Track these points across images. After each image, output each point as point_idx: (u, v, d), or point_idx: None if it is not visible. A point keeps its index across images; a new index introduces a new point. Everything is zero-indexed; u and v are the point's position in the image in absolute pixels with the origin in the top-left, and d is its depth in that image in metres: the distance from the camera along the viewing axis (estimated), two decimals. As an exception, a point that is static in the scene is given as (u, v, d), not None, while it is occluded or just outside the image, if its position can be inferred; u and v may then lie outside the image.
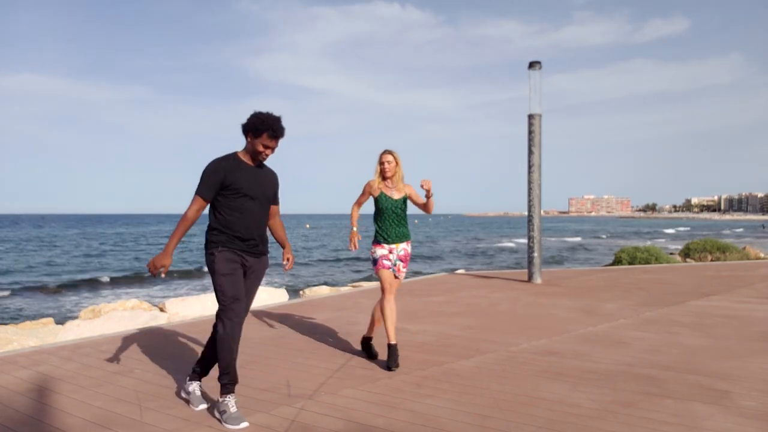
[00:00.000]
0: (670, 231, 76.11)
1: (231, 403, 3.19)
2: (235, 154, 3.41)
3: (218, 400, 3.25)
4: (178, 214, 3.54)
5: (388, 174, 4.45)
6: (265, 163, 3.53)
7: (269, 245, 3.66)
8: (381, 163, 4.46)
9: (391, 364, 4.18)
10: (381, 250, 4.45)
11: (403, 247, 4.51)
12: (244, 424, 3.10)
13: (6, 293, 19.16)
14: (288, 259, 3.71)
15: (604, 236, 64.29)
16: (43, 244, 46.57)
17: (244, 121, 3.34)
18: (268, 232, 3.64)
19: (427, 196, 4.37)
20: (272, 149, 3.37)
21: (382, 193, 4.47)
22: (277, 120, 3.31)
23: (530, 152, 8.95)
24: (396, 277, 4.45)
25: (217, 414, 3.23)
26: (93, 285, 21.70)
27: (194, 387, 3.54)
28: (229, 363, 3.25)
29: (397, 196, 4.47)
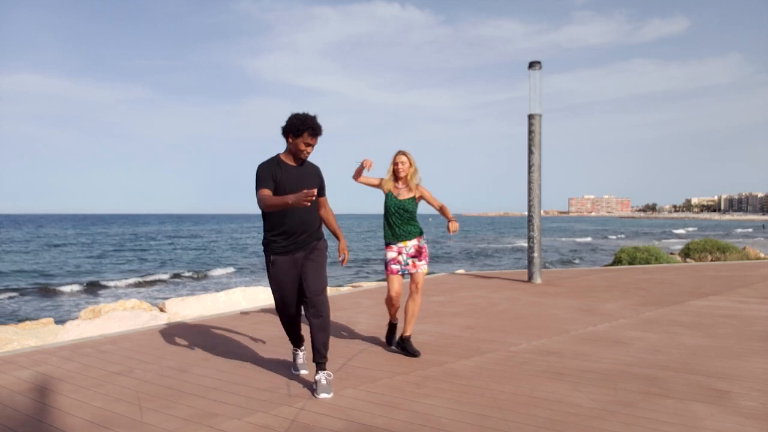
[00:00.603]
0: (680, 231, 74.43)
1: (298, 354, 4.06)
2: (278, 157, 3.65)
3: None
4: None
5: (401, 174, 4.46)
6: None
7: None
8: (394, 164, 4.47)
9: (404, 348, 4.52)
10: (390, 253, 4.50)
11: (412, 244, 4.49)
12: (303, 372, 3.99)
13: (6, 293, 19.17)
14: (343, 254, 3.94)
15: (613, 236, 62.27)
16: (43, 244, 46.58)
17: (284, 123, 3.56)
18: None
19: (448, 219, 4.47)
20: (312, 146, 3.60)
21: (389, 192, 4.49)
22: (314, 119, 3.55)
23: (530, 152, 8.96)
24: (412, 273, 4.50)
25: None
26: (93, 285, 21.70)
27: (319, 376, 3.63)
28: (291, 337, 3.99)
29: (404, 196, 4.47)
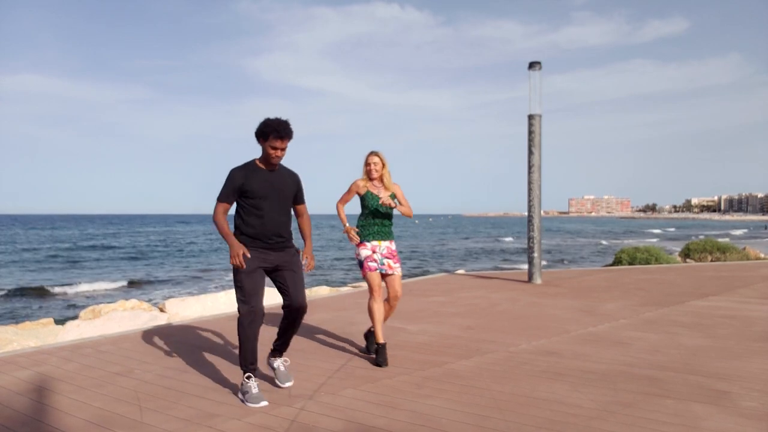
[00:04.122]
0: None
1: (252, 384, 3.50)
2: (253, 162, 3.71)
3: (241, 383, 3.58)
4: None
5: (374, 175, 4.49)
6: (285, 165, 3.82)
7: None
8: (367, 164, 4.50)
9: (380, 362, 4.24)
10: (365, 251, 4.47)
11: (386, 246, 4.51)
12: (264, 403, 3.40)
13: (6, 293, 19.17)
14: (306, 258, 3.83)
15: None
16: (42, 245, 46.55)
17: (257, 127, 3.62)
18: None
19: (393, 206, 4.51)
20: (281, 150, 3.61)
21: (368, 191, 4.51)
22: (281, 122, 3.58)
23: (530, 152, 8.95)
24: (390, 275, 4.47)
25: (240, 395, 3.53)
26: (93, 285, 21.70)
27: (278, 363, 3.87)
28: (246, 348, 3.55)
29: (383, 194, 4.49)
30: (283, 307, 3.74)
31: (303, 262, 3.81)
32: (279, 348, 3.87)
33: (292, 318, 3.73)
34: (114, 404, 3.44)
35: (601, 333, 5.25)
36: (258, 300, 3.54)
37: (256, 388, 3.49)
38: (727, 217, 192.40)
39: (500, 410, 3.25)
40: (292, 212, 3.90)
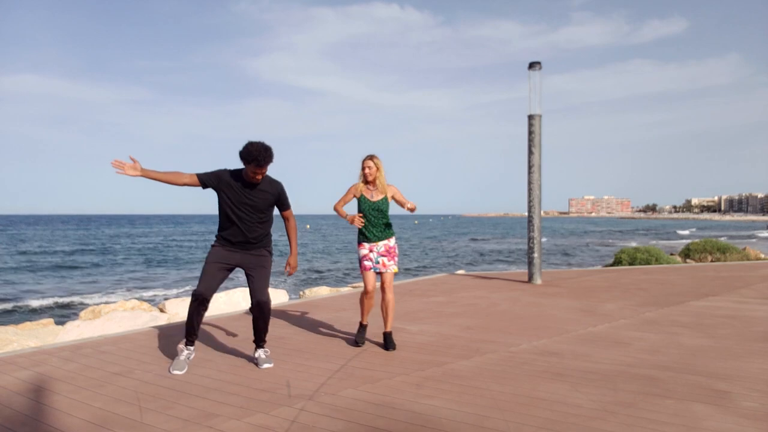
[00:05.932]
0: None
1: (183, 351, 4.28)
2: (239, 171, 4.10)
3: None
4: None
5: (369, 178, 4.80)
6: (270, 176, 4.18)
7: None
8: (363, 168, 4.81)
9: (358, 340, 4.90)
10: (362, 250, 4.85)
11: (383, 244, 4.82)
12: (179, 372, 4.06)
13: (6, 294, 19.16)
14: (288, 264, 4.38)
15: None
16: (42, 244, 46.56)
17: (241, 149, 3.93)
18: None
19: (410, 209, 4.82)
20: (260, 174, 4.02)
21: (362, 195, 4.84)
22: (261, 151, 3.89)
23: (530, 152, 8.96)
24: (382, 272, 4.80)
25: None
26: (93, 285, 21.70)
27: (259, 353, 4.35)
28: (187, 322, 4.20)
29: (376, 198, 4.81)
30: (251, 304, 4.23)
31: (285, 270, 4.38)
32: (256, 341, 4.33)
33: (257, 311, 4.20)
34: (114, 404, 3.44)
35: (601, 333, 5.25)
36: (207, 288, 4.09)
37: (184, 356, 4.23)
38: (727, 217, 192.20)
39: (500, 410, 3.25)
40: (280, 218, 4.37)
